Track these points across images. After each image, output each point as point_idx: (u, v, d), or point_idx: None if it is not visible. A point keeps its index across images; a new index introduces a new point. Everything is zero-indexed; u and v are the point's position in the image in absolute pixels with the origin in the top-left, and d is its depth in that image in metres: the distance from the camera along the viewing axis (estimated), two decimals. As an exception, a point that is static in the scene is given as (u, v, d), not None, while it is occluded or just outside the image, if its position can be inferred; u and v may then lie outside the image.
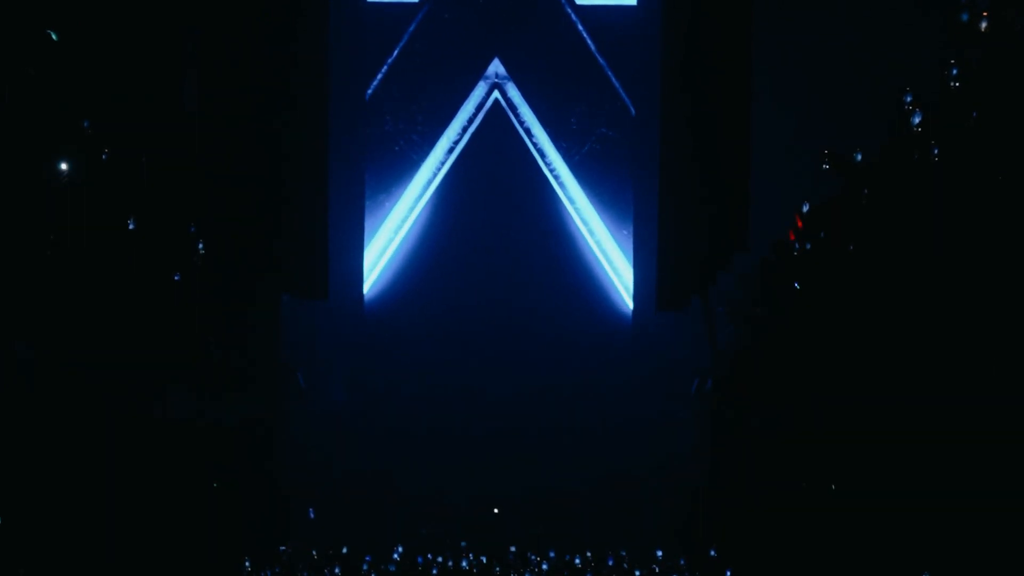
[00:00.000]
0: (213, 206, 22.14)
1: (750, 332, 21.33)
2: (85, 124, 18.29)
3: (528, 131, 26.49)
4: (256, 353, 22.61)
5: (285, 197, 23.48)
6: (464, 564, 21.95)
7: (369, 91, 26.26)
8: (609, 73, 26.33)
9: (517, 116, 26.50)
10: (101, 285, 18.37)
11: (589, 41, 26.30)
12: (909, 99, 17.16)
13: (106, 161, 18.66)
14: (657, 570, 21.71)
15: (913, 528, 16.13)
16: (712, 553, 21.54)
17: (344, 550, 22.21)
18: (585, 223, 26.39)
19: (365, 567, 21.65)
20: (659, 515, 23.59)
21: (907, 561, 16.24)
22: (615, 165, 26.48)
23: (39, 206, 17.43)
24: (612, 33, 26.31)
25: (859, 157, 18.37)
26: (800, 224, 19.96)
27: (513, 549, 22.54)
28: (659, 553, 21.93)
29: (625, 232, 26.32)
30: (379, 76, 26.30)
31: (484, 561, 22.08)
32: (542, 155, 26.48)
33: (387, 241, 26.35)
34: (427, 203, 26.48)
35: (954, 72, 16.57)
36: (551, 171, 26.46)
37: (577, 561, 21.95)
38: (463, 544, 22.73)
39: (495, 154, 26.56)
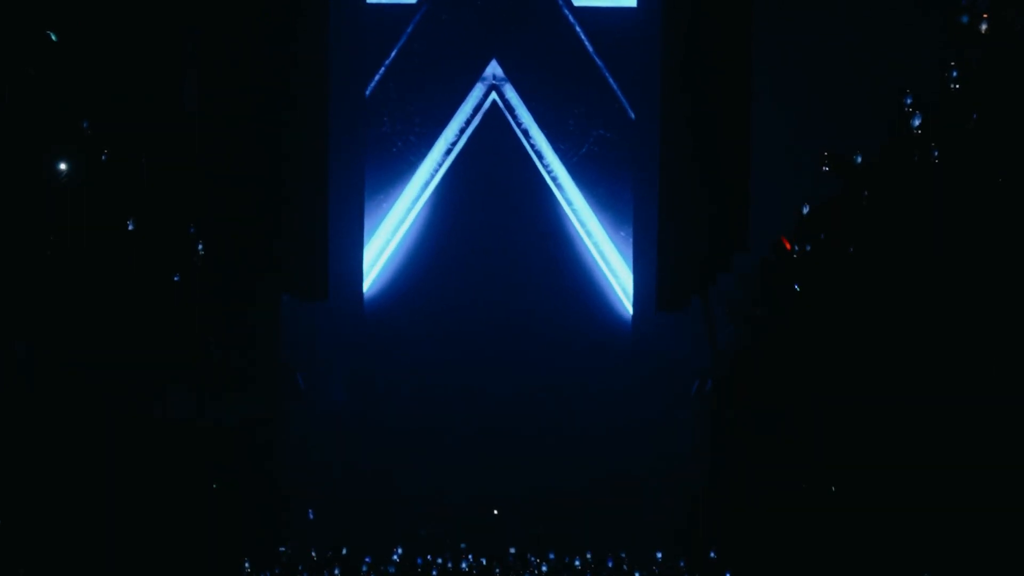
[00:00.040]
0: (213, 206, 22.15)
1: (750, 332, 21.34)
2: (85, 124, 18.30)
3: (526, 132, 26.45)
4: (256, 353, 22.61)
5: (285, 197, 23.47)
6: (464, 566, 21.93)
7: (367, 92, 26.24)
8: (607, 75, 26.30)
9: (515, 117, 26.46)
10: (101, 285, 18.38)
11: (587, 43, 26.28)
12: (909, 101, 17.20)
13: (106, 161, 18.68)
14: (657, 572, 21.69)
15: (913, 529, 16.15)
16: (712, 555, 21.53)
17: (344, 551, 22.19)
18: (583, 224, 26.35)
19: (365, 568, 21.62)
20: (659, 516, 23.56)
21: (907, 562, 16.25)
22: (613, 167, 26.43)
23: (39, 206, 17.44)
24: (610, 35, 26.26)
25: (859, 159, 18.39)
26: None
27: (513, 551, 22.52)
28: (659, 555, 21.91)
29: (623, 234, 26.28)
30: (377, 77, 26.25)
31: (484, 563, 22.06)
32: (540, 156, 26.44)
33: (385, 242, 26.31)
34: (425, 204, 26.41)
35: (954, 73, 16.60)
36: (549, 172, 26.42)
37: (577, 563, 21.93)
38: (463, 546, 22.71)
39: (493, 155, 26.48)
